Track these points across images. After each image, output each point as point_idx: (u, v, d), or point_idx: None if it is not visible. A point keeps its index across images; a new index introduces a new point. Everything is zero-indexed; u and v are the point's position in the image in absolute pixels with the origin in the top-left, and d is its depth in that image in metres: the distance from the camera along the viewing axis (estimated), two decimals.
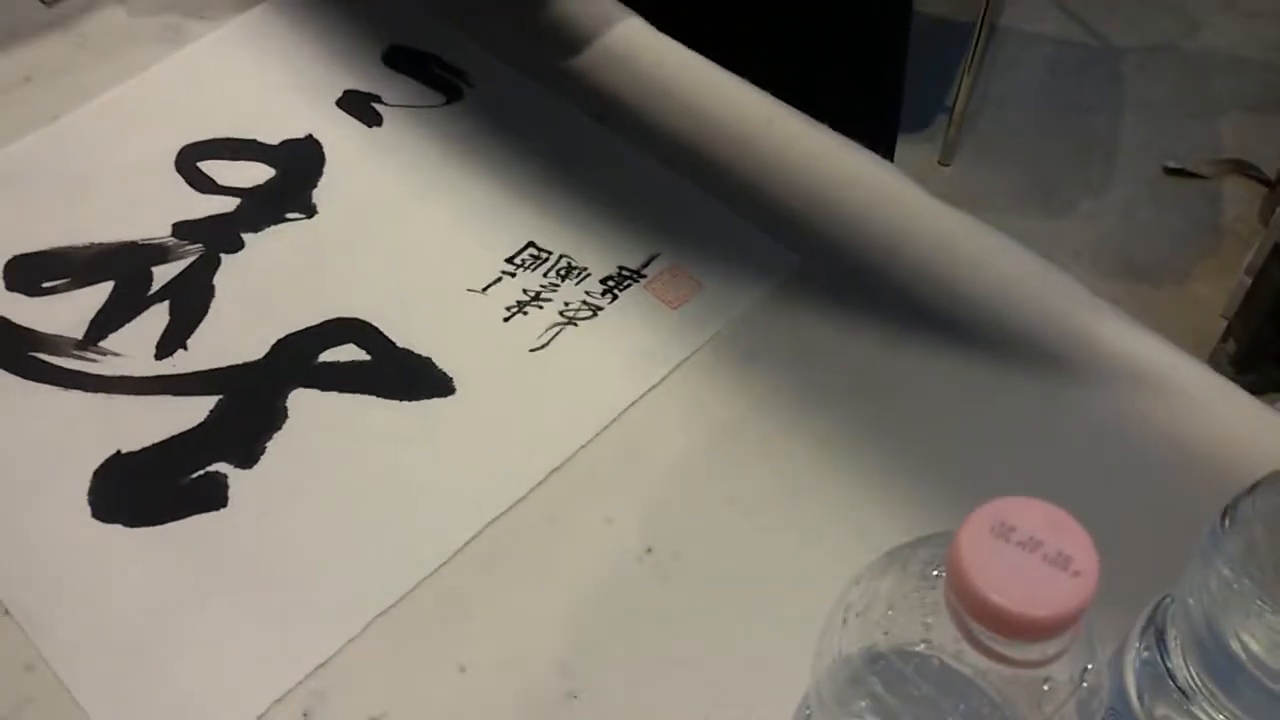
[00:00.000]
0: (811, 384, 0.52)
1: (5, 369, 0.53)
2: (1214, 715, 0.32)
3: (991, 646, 0.24)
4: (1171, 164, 1.72)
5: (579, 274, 0.56)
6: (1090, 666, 0.27)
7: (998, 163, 1.66)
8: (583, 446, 0.50)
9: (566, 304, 0.55)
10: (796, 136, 0.62)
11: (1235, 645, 0.30)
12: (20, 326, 0.54)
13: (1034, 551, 0.24)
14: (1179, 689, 0.33)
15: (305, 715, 0.43)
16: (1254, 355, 1.36)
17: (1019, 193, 1.64)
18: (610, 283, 0.56)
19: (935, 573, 0.26)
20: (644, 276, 0.56)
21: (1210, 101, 1.82)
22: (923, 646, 0.29)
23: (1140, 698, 0.34)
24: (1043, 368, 0.52)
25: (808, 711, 0.33)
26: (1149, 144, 1.76)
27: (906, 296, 0.55)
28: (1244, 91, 1.83)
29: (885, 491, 0.48)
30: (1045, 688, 0.26)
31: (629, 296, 0.55)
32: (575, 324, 0.54)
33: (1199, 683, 0.32)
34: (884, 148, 0.74)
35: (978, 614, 0.24)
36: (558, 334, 0.54)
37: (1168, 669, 0.33)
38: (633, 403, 0.52)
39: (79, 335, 0.54)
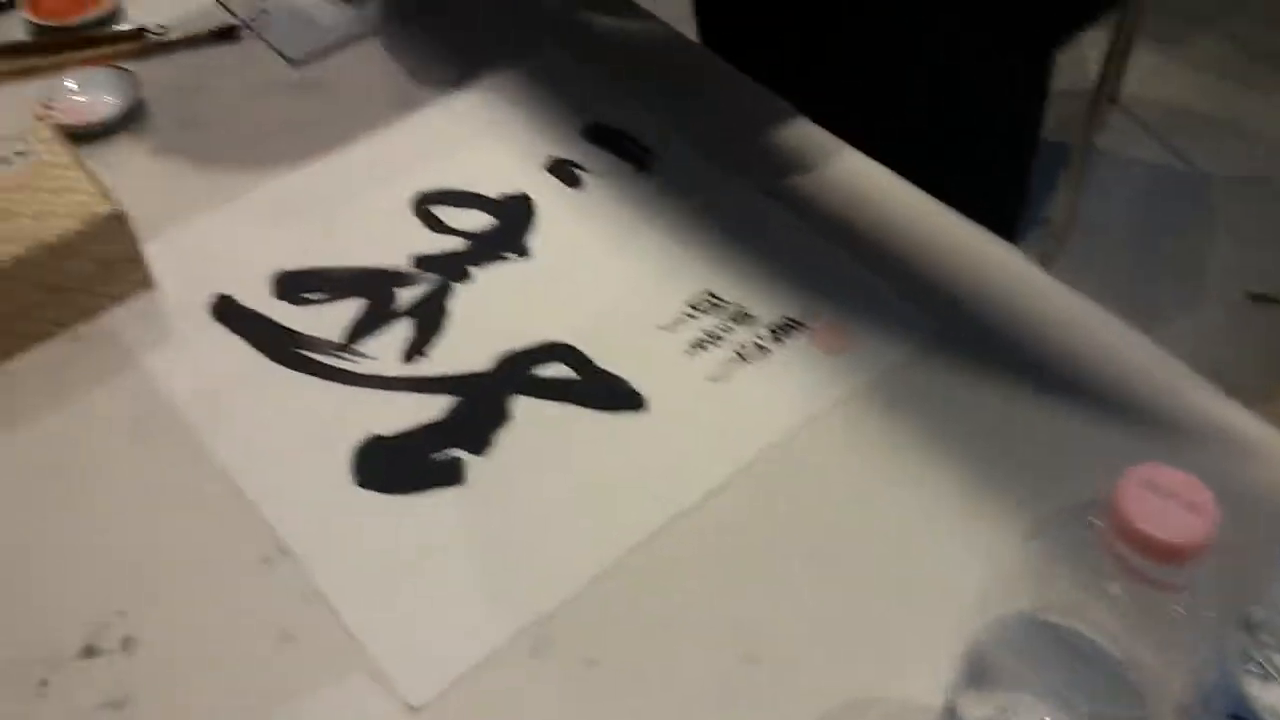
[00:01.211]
0: (945, 432, 0.61)
1: (275, 361, 0.64)
2: None
3: (1143, 570, 0.33)
4: (1256, 290, 1.79)
5: (751, 320, 0.66)
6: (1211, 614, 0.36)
7: (1089, 278, 1.74)
8: (752, 460, 0.60)
9: (740, 344, 0.65)
10: (939, 223, 0.72)
11: None
12: (286, 327, 0.66)
13: (1171, 499, 0.33)
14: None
15: (533, 651, 0.52)
16: None
17: (1109, 307, 1.71)
18: (777, 330, 0.66)
19: (1093, 522, 0.35)
20: (806, 327, 0.66)
21: None
22: (1062, 617, 0.38)
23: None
24: (1155, 433, 0.61)
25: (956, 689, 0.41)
26: (1235, 269, 1.83)
27: (1031, 364, 0.64)
28: None
29: (1011, 522, 0.57)
30: (1176, 614, 0.35)
31: (793, 343, 0.65)
32: (747, 361, 0.65)
33: None
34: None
35: (1133, 541, 0.33)
36: (732, 368, 0.64)
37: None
38: (795, 429, 0.61)
39: (338, 339, 0.65)
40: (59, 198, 0.64)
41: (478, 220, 0.72)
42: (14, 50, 0.84)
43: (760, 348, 0.65)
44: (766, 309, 0.67)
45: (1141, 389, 0.62)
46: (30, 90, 0.80)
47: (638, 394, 0.63)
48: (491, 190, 0.74)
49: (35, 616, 0.54)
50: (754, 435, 0.61)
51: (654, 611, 0.54)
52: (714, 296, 0.68)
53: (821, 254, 0.70)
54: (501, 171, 0.75)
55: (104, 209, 0.64)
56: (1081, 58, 1.96)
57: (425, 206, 0.73)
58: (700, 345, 0.65)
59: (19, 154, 0.67)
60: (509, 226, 0.72)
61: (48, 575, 0.56)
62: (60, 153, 0.67)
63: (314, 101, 0.80)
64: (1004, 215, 0.78)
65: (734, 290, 0.68)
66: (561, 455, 0.60)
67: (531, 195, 0.74)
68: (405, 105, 0.80)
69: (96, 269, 0.64)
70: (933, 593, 0.54)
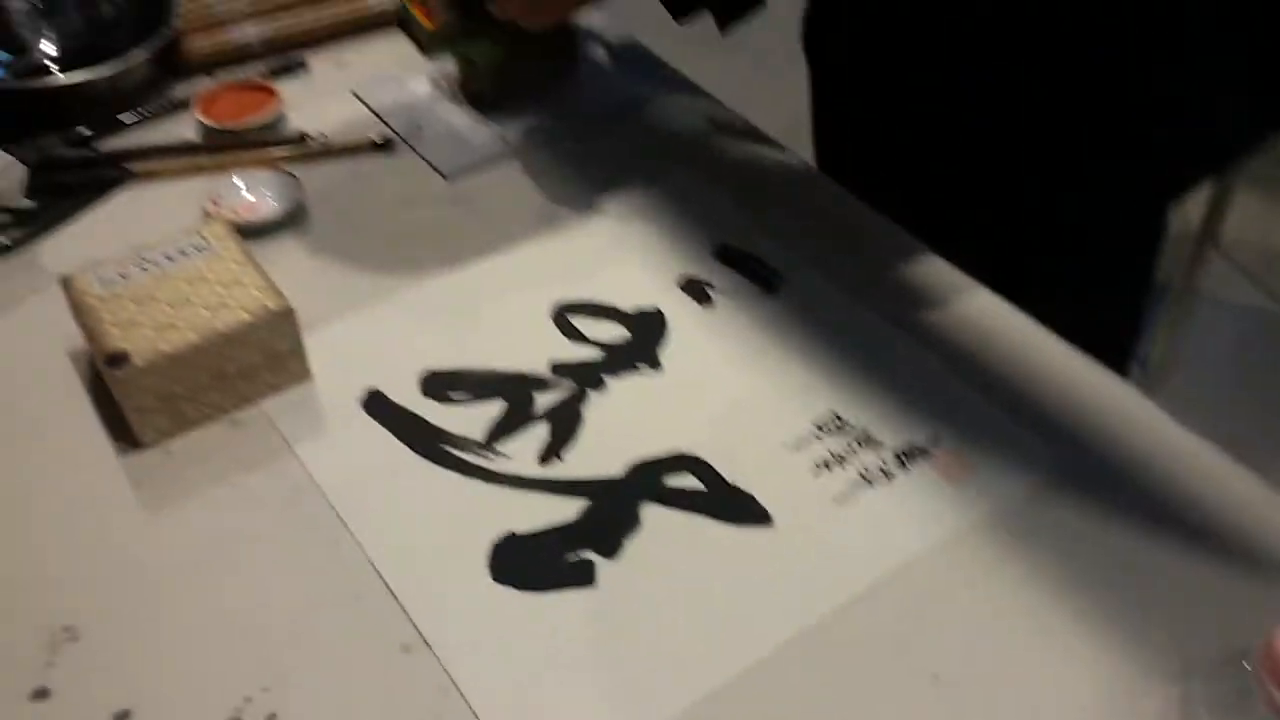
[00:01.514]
0: (1066, 567, 0.62)
1: (420, 455, 0.68)
2: None
3: None
4: None
5: (875, 444, 0.68)
6: None
7: (1185, 417, 1.73)
8: (874, 583, 0.61)
9: (865, 467, 0.67)
10: (1060, 359, 0.74)
11: None
12: (432, 424, 0.69)
13: None
14: None
15: None
16: None
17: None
18: (902, 455, 0.68)
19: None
20: (930, 454, 0.68)
21: None
22: None
23: None
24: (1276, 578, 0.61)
25: None
26: None
27: (1153, 504, 0.65)
28: None
29: (1135, 664, 0.57)
30: None
31: (917, 469, 0.67)
32: (871, 484, 0.66)
33: None
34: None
35: None
36: (857, 491, 0.66)
37: None
38: (917, 555, 0.63)
39: (479, 438, 0.68)
40: (231, 290, 0.69)
41: (613, 332, 0.76)
42: (186, 149, 0.91)
43: (884, 472, 0.67)
44: (891, 434, 0.69)
45: (1262, 534, 0.63)
46: (199, 187, 0.86)
47: (764, 510, 0.65)
48: (626, 304, 0.77)
49: (185, 687, 0.57)
50: (877, 558, 0.62)
51: None
52: (839, 419, 0.70)
53: (945, 383, 0.72)
54: (636, 287, 0.79)
55: (273, 304, 0.68)
56: (1184, 202, 1.97)
57: (564, 316, 0.76)
58: (825, 465, 0.67)
59: (196, 247, 0.72)
60: (642, 339, 0.75)
61: (197, 648, 0.59)
62: (233, 248, 0.72)
63: (463, 213, 0.85)
64: (1115, 355, 0.79)
65: (859, 414, 0.70)
66: (689, 564, 0.62)
67: (664, 310, 0.77)
68: (547, 221, 0.84)
69: (262, 359, 0.69)
70: None
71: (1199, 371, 1.84)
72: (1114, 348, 0.88)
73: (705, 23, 0.87)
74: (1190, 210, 1.87)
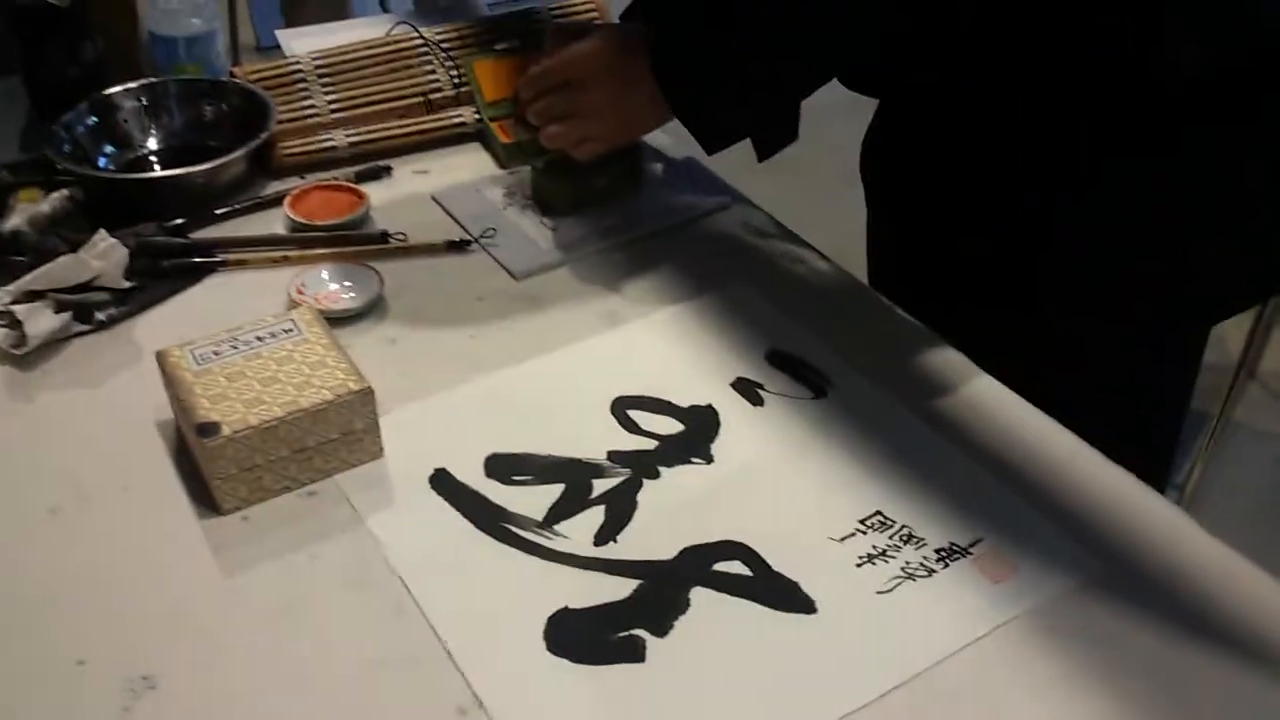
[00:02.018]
0: (1102, 667, 0.64)
1: (483, 531, 0.71)
2: None
3: None
4: None
5: (918, 542, 0.71)
6: None
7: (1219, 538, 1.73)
8: (916, 673, 0.63)
9: (907, 563, 0.70)
10: (1098, 470, 0.76)
11: None
12: (495, 503, 0.73)
13: None
14: None
15: None
16: None
17: None
18: (943, 553, 0.70)
19: None
20: (971, 553, 0.70)
21: None
22: None
23: None
24: None
25: None
26: None
27: (1187, 612, 0.67)
28: None
29: None
30: None
31: (958, 567, 0.70)
32: (914, 579, 0.69)
33: None
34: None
35: None
36: (899, 585, 0.69)
37: None
38: (957, 650, 0.65)
39: (538, 518, 0.72)
40: (316, 371, 0.74)
41: (668, 425, 0.80)
42: (275, 241, 0.97)
43: (926, 568, 0.69)
44: (933, 533, 0.72)
45: None
46: (284, 277, 0.92)
47: (809, 598, 0.67)
48: (681, 400, 0.82)
49: None
50: (917, 649, 0.65)
51: None
52: (884, 516, 0.73)
53: (986, 487, 0.75)
54: (691, 384, 0.83)
55: (355, 385, 0.73)
56: (1221, 331, 2.00)
57: (622, 409, 0.81)
58: (869, 559, 0.70)
59: (285, 330, 0.77)
60: (696, 433, 0.79)
61: (267, 702, 0.62)
62: (319, 332, 0.77)
63: (529, 310, 0.91)
64: (1149, 477, 0.82)
65: (903, 512, 0.73)
66: (735, 646, 0.65)
67: (717, 408, 0.81)
68: (608, 321, 0.89)
69: (339, 436, 0.73)
70: None
71: (1234, 499, 1.84)
72: (1145, 472, 0.90)
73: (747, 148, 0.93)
74: (1229, 341, 1.90)
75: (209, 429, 0.70)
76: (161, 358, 0.76)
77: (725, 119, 0.87)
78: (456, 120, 1.12)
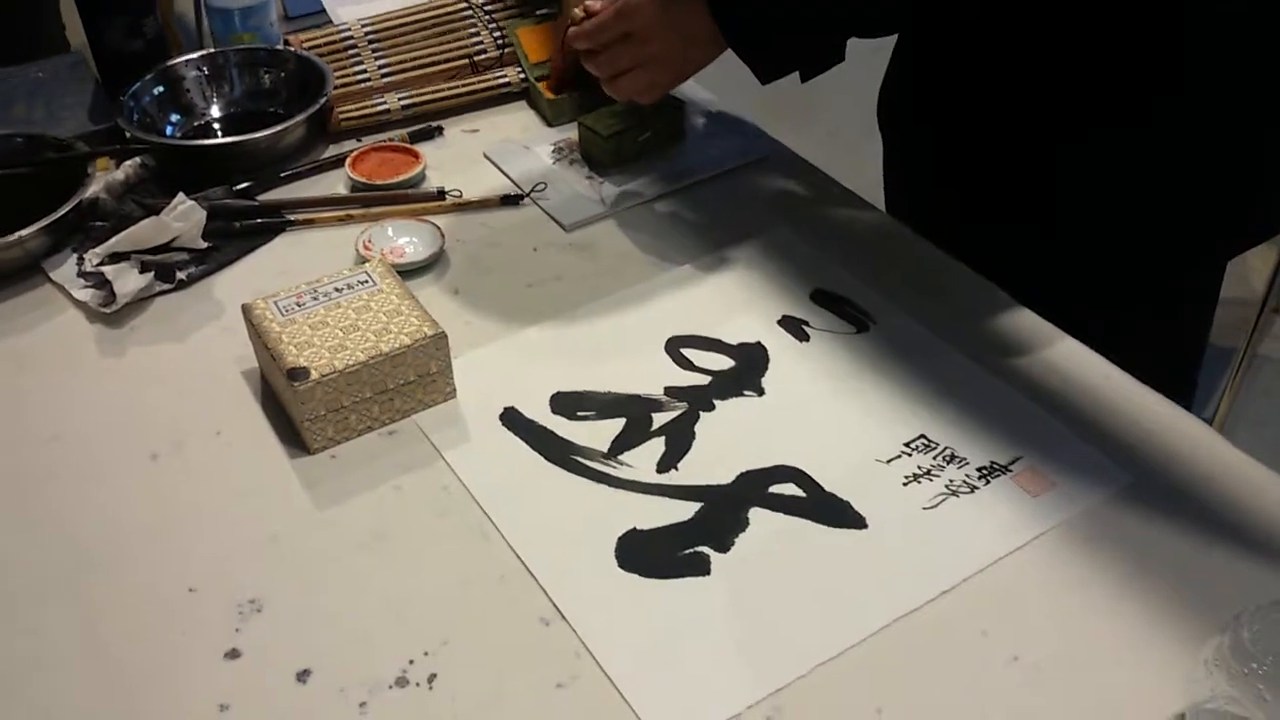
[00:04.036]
0: (1135, 570, 0.69)
1: (552, 463, 0.77)
2: None
3: None
4: None
5: (960, 461, 0.76)
6: None
7: None
8: (960, 581, 0.69)
9: (951, 480, 0.75)
10: (1126, 388, 0.81)
11: None
12: (563, 437, 0.78)
13: None
14: None
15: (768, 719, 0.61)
16: None
17: None
18: (984, 471, 0.75)
19: None
20: (1010, 471, 0.75)
21: None
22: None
23: None
24: None
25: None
26: None
27: (1215, 518, 0.71)
28: None
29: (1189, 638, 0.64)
30: None
31: (999, 484, 0.74)
32: (957, 495, 0.74)
33: None
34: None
35: None
36: (943, 501, 0.73)
37: None
38: (999, 558, 0.70)
39: (603, 449, 0.77)
40: (392, 319, 0.79)
41: (720, 362, 0.85)
42: (341, 200, 1.02)
43: (969, 484, 0.74)
44: (974, 453, 0.76)
45: None
46: (348, 234, 0.98)
47: (859, 515, 0.73)
48: (731, 338, 0.86)
49: (358, 651, 0.66)
50: (962, 559, 0.70)
51: (870, 698, 0.62)
52: (927, 439, 0.78)
53: (1023, 409, 0.79)
54: (739, 323, 0.88)
55: (430, 330, 0.78)
56: (1245, 268, 2.03)
57: (675, 348, 0.86)
58: (915, 479, 0.75)
59: (361, 283, 0.82)
60: (746, 368, 0.84)
61: (366, 619, 0.68)
62: (393, 284, 0.82)
63: (582, 259, 0.95)
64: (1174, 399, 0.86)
65: (945, 435, 0.78)
66: (792, 560, 0.70)
67: (765, 344, 0.86)
68: (657, 266, 0.94)
69: (417, 379, 0.79)
70: (1124, 706, 0.61)
71: (1262, 431, 1.88)
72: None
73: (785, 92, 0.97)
74: (1254, 277, 1.92)
75: (299, 373, 0.75)
76: (247, 310, 0.81)
77: (781, 48, 0.90)
78: (501, 80, 1.16)
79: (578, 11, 0.94)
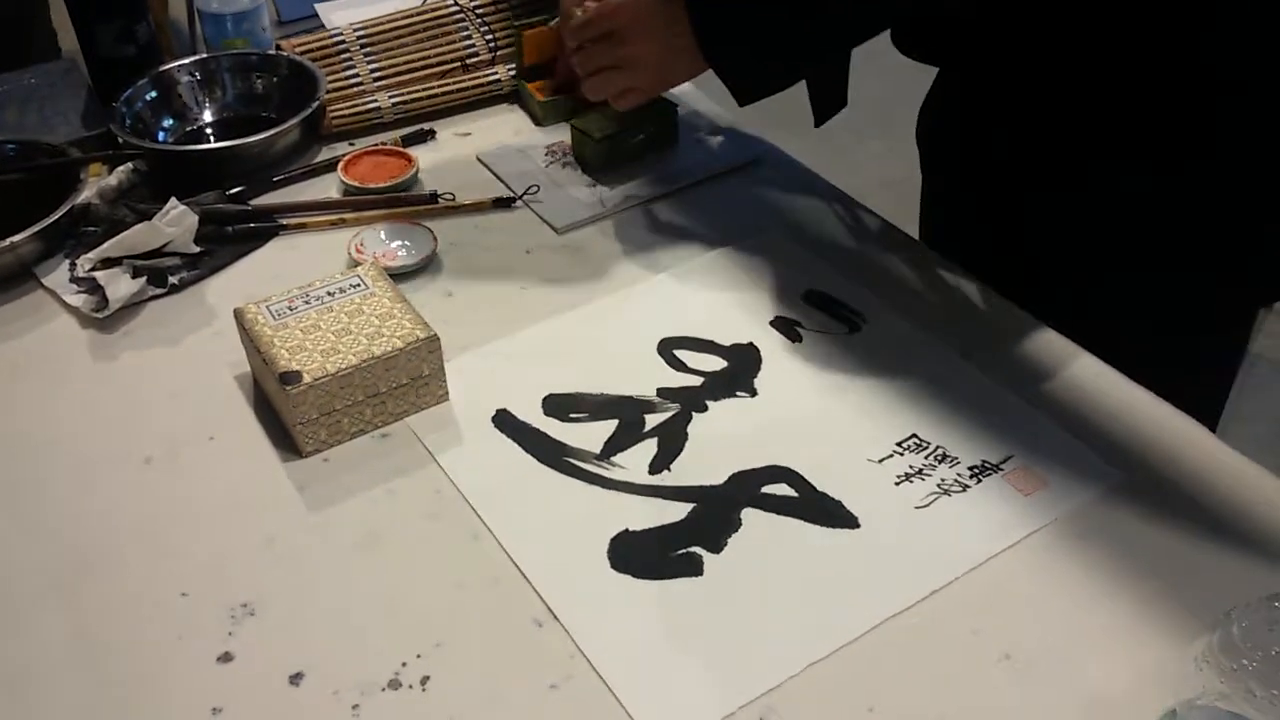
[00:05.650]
0: (1125, 567, 0.69)
1: (547, 465, 0.77)
2: None
3: None
4: None
5: (952, 460, 0.76)
6: None
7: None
8: (953, 580, 0.69)
9: (943, 479, 0.75)
10: (1119, 388, 0.81)
11: None
12: (555, 439, 0.79)
13: None
14: None
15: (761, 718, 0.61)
16: None
17: None
18: (976, 470, 0.75)
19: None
20: (1002, 469, 0.75)
21: None
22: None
23: None
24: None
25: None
26: None
27: (1204, 516, 0.71)
28: None
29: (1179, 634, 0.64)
30: None
31: (990, 482, 0.75)
32: (949, 495, 0.74)
33: None
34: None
35: None
36: (935, 500, 0.74)
37: None
38: (991, 556, 0.70)
39: (596, 451, 0.78)
40: (385, 322, 0.79)
41: (712, 363, 0.85)
42: (333, 204, 1.02)
43: (960, 484, 0.74)
44: (965, 452, 0.77)
45: None
46: (341, 238, 0.98)
47: (851, 514, 0.73)
48: (724, 339, 0.87)
49: (351, 653, 0.66)
50: (955, 558, 0.70)
51: (863, 697, 0.63)
52: (919, 438, 0.78)
53: (1016, 409, 0.80)
54: (732, 324, 0.88)
55: (422, 333, 0.78)
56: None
57: (668, 349, 0.86)
58: (907, 478, 0.75)
59: (354, 286, 0.83)
60: (739, 369, 0.84)
61: (359, 621, 0.68)
62: (385, 287, 0.83)
63: (574, 260, 0.96)
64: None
65: (937, 434, 0.78)
66: (784, 560, 0.70)
67: (758, 345, 0.86)
68: (649, 268, 0.94)
69: (409, 381, 0.79)
70: (1115, 704, 0.61)
71: (1256, 428, 1.89)
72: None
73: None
74: None
75: (291, 377, 0.75)
76: (240, 314, 0.82)
77: (759, 72, 0.89)
78: (492, 79, 1.16)
79: (577, 11, 0.94)
